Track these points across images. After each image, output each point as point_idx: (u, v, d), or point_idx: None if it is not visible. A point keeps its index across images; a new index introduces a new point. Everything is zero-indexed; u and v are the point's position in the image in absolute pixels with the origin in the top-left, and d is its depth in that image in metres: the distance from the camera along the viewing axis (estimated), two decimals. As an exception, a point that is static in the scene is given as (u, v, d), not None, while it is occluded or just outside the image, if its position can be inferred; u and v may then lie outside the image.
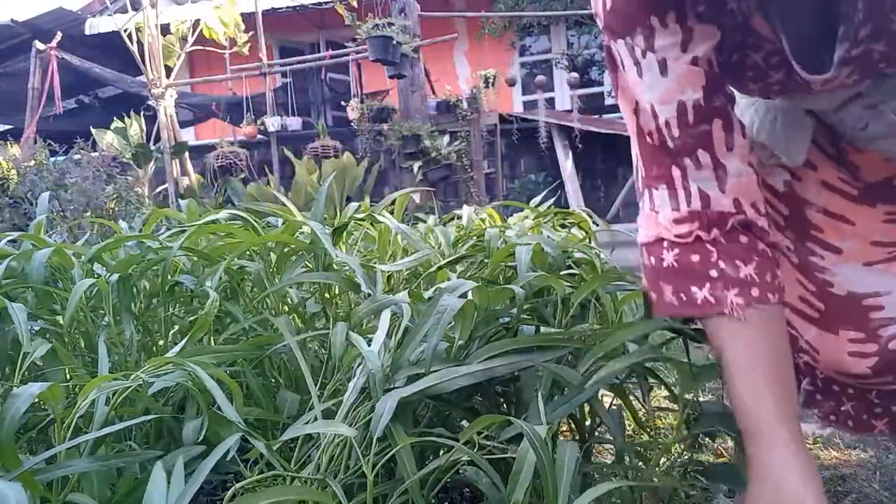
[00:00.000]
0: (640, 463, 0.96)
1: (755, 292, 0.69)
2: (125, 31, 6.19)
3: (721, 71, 0.71)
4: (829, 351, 0.84)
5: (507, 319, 0.91)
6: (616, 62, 0.73)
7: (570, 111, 6.71)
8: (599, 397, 0.92)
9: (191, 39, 6.60)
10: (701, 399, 0.88)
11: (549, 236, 1.22)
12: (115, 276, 1.03)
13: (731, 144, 0.71)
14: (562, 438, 0.96)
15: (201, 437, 0.77)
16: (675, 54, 0.69)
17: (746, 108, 0.87)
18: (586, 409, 0.95)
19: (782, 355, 0.71)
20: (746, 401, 0.68)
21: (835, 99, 0.76)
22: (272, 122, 6.69)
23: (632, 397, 0.97)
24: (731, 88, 0.75)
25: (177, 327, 1.16)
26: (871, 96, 0.74)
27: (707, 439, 1.18)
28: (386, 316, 0.84)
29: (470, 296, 0.82)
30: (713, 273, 0.70)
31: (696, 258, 0.71)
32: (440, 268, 1.12)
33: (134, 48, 6.19)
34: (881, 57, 0.65)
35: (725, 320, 0.69)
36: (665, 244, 0.73)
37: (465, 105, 6.48)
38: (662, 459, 1.15)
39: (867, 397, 0.88)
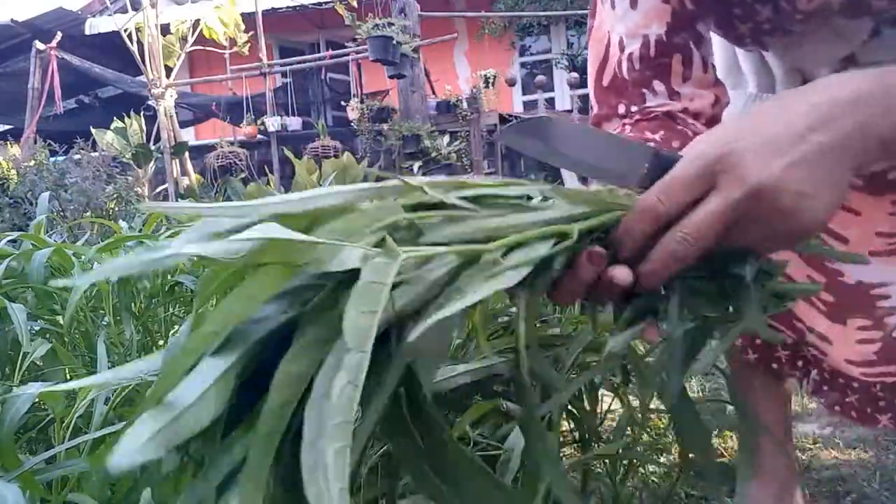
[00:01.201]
0: (640, 462, 0.96)
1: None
2: (125, 31, 6.20)
3: (706, 12, 0.72)
4: (839, 342, 0.86)
5: (506, 318, 0.92)
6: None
7: (570, 111, 6.71)
8: (599, 397, 0.92)
9: (191, 39, 6.61)
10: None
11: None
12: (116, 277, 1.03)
13: (689, 76, 0.73)
14: (562, 439, 0.96)
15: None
16: None
17: (749, 102, 0.87)
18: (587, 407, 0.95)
19: None
20: None
21: (824, 57, 0.76)
22: (272, 122, 6.70)
23: (632, 396, 0.97)
24: (715, 34, 0.77)
25: (177, 327, 1.16)
26: (864, 56, 0.74)
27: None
28: (385, 315, 0.84)
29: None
30: None
31: None
32: (440, 268, 1.12)
33: (134, 48, 6.19)
34: None
35: None
36: None
37: (465, 105, 6.48)
38: (662, 459, 1.15)
39: (871, 391, 0.88)
